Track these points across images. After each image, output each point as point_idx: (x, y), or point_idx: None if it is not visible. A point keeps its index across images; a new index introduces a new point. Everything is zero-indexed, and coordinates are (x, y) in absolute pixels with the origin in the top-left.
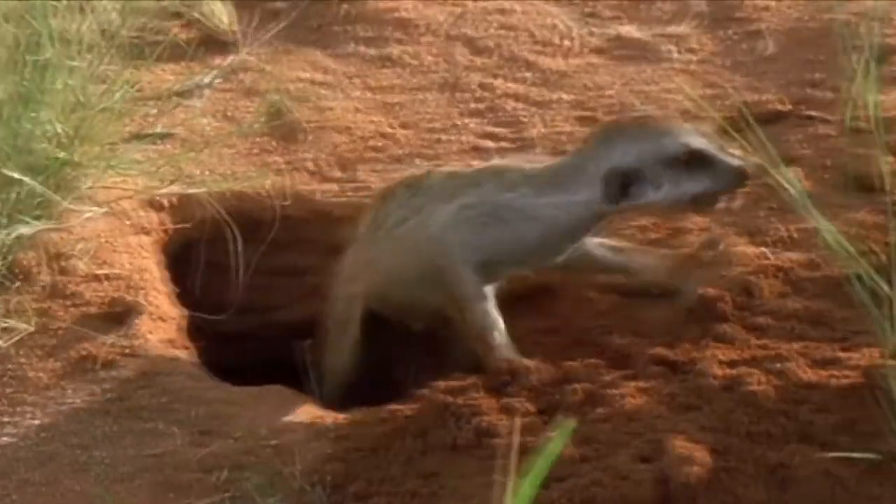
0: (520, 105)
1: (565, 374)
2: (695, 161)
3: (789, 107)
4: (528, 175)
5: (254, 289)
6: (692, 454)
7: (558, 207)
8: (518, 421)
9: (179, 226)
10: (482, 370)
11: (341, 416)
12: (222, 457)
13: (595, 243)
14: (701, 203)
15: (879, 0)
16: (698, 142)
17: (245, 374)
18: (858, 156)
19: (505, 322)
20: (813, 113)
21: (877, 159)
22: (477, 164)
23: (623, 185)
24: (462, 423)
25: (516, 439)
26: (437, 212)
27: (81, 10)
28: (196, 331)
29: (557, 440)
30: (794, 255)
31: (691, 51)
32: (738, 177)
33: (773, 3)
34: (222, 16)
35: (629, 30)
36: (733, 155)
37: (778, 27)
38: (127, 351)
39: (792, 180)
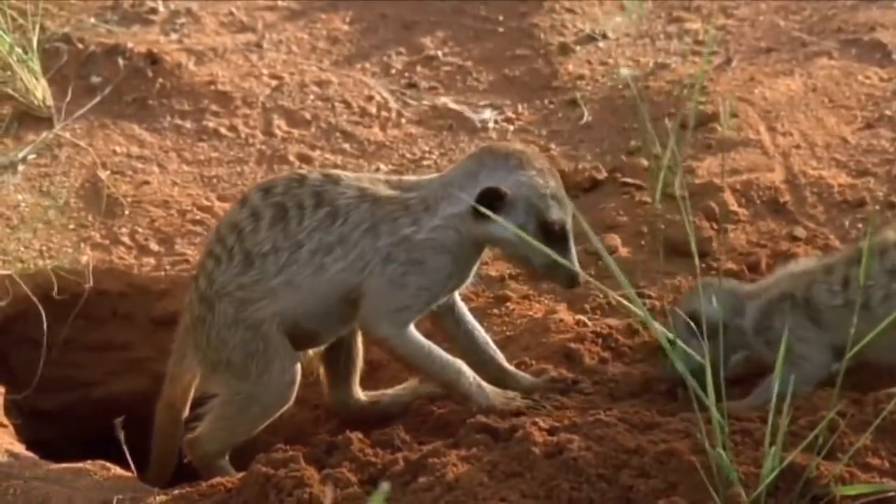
0: None
1: (388, 443)
2: (557, 236)
3: (605, 174)
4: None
5: (70, 365)
6: None
7: (446, 226)
8: (339, 492)
9: None
10: None
11: (163, 493)
12: None
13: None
14: (547, 273)
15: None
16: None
17: (65, 450)
18: (674, 222)
19: None
20: (629, 180)
21: (691, 225)
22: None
23: (492, 205)
24: (284, 495)
25: None
26: (362, 261)
27: None
28: (14, 408)
29: None
30: (613, 322)
31: (508, 120)
32: (570, 280)
33: (588, 73)
34: (37, 91)
35: (445, 101)
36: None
37: (593, 96)
38: None
39: (603, 250)
